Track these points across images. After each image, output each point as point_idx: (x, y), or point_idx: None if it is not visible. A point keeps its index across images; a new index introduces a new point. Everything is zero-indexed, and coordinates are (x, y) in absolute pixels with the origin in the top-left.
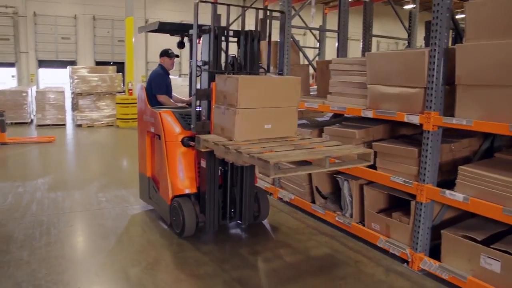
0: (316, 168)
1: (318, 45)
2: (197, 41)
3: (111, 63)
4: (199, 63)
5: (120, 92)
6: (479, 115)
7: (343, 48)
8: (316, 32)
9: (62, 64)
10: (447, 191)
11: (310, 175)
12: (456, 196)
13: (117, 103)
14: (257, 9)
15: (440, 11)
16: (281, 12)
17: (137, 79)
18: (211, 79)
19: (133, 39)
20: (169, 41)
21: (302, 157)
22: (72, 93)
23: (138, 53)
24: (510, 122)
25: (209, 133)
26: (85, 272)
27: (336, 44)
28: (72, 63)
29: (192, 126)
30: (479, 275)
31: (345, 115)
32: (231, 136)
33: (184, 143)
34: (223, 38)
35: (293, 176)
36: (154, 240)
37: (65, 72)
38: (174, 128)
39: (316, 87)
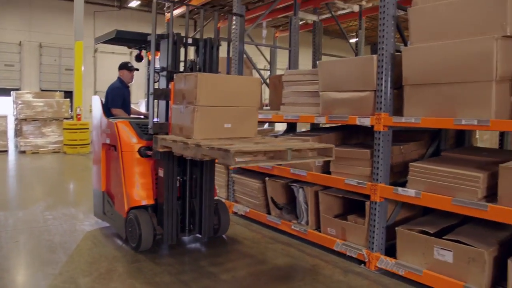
0: (278, 161)
1: (269, 67)
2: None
3: (58, 91)
4: (157, 70)
5: (67, 118)
6: (426, 112)
7: (294, 65)
8: (267, 55)
9: (4, 91)
10: (400, 188)
11: (265, 187)
12: (408, 192)
13: (64, 129)
14: (216, 11)
15: (386, 18)
16: (240, 15)
17: (85, 108)
18: (170, 80)
19: (83, 68)
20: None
21: (264, 149)
22: (16, 119)
23: (86, 82)
24: (454, 116)
25: (167, 134)
26: (31, 285)
27: (288, 61)
28: (16, 91)
29: (149, 126)
30: (433, 268)
31: (297, 131)
32: (190, 134)
33: (141, 153)
34: (182, 46)
35: (248, 189)
36: (107, 253)
37: (8, 100)
38: (130, 138)
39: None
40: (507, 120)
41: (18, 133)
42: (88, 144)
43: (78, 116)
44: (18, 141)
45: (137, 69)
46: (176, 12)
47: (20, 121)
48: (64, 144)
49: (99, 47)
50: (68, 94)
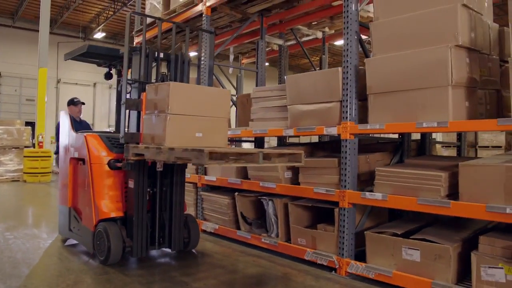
0: (249, 164)
1: (236, 92)
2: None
3: (18, 120)
4: (130, 81)
5: (28, 147)
6: (390, 119)
7: (261, 85)
8: (235, 82)
9: None
10: (367, 193)
11: (234, 202)
12: (375, 196)
13: (25, 156)
14: (188, 26)
15: (350, 33)
16: (210, 32)
17: (46, 140)
18: (141, 91)
19: (46, 98)
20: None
21: (237, 151)
22: None
23: (48, 112)
24: (416, 120)
25: (138, 143)
26: None
27: (255, 82)
28: None
29: (121, 136)
30: (402, 268)
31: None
32: (161, 142)
33: (110, 165)
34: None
35: (217, 206)
36: (73, 267)
37: None
38: (100, 150)
39: None
40: (464, 120)
41: None
42: (50, 172)
43: (40, 144)
44: None
45: (83, 103)
46: (148, 35)
47: None
48: (24, 172)
49: (62, 78)
50: (29, 125)
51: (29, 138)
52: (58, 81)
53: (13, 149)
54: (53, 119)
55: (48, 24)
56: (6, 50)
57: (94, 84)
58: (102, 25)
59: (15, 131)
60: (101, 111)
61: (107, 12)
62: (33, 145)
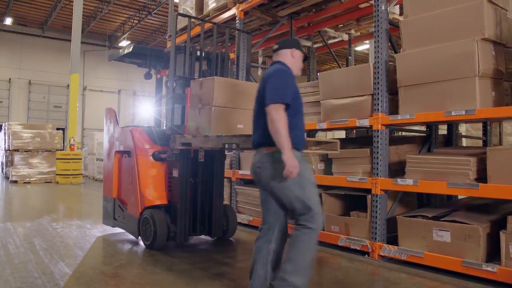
0: None
1: None
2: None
3: (50, 124)
4: (176, 77)
5: (59, 150)
6: (419, 109)
7: None
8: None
9: None
10: (399, 179)
11: None
12: (406, 181)
13: (57, 159)
14: (228, 27)
15: (380, 31)
16: (247, 32)
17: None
18: (186, 86)
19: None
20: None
21: None
22: (7, 150)
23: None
24: (444, 110)
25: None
26: (58, 270)
27: None
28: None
29: (167, 127)
30: (433, 249)
31: None
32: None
33: (155, 157)
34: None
35: (251, 198)
36: (122, 250)
37: None
38: (144, 143)
39: None
40: (491, 108)
41: (9, 163)
42: (81, 174)
43: (72, 146)
44: (9, 171)
45: (307, 57)
46: (179, 39)
47: (11, 152)
48: (57, 174)
49: (88, 85)
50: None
51: (61, 142)
52: (84, 88)
53: (46, 152)
54: (79, 126)
55: (80, 31)
56: (35, 59)
57: (119, 91)
58: (127, 33)
59: (48, 134)
60: (126, 116)
61: (132, 21)
62: (64, 149)
